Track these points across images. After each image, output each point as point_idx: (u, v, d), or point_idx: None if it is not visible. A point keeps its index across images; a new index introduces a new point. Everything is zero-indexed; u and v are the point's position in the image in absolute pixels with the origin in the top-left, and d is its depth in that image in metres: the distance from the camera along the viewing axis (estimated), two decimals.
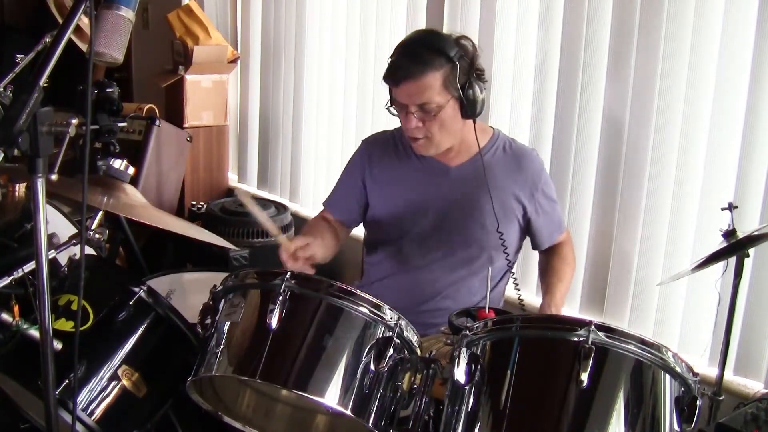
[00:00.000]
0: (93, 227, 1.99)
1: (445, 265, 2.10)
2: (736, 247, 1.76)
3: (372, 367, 1.47)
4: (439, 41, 1.94)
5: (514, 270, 2.18)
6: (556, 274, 2.13)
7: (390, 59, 1.98)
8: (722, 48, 2.12)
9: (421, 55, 1.91)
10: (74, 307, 1.65)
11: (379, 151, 2.17)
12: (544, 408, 1.36)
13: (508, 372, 1.39)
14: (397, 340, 1.50)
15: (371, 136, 2.28)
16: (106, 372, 1.63)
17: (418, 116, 1.95)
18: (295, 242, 1.94)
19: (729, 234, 1.78)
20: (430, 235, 2.10)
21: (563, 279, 2.12)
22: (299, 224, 3.51)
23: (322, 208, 2.28)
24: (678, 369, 1.38)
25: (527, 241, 2.21)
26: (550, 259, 2.20)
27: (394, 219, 2.15)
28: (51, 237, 1.76)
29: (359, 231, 2.30)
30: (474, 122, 2.01)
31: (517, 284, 2.14)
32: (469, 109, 1.95)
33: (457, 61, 1.90)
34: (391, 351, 1.47)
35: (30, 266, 1.66)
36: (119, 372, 1.64)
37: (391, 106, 2.00)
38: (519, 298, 2.15)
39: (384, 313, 1.51)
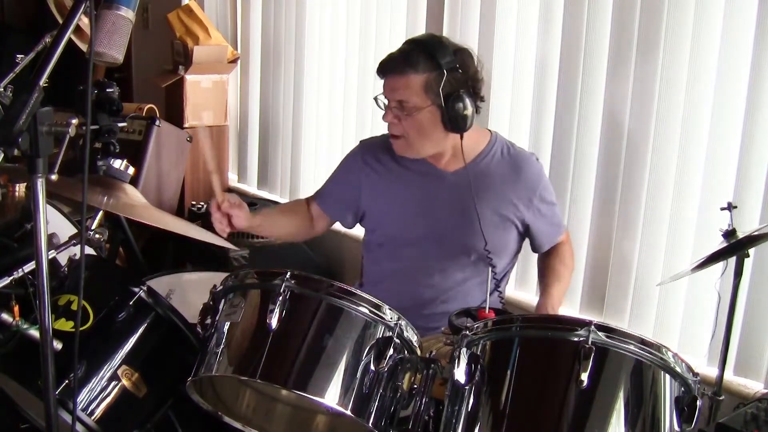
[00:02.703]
0: (93, 227, 1.99)
1: (442, 271, 2.10)
2: (736, 247, 1.76)
3: (372, 367, 1.47)
4: (433, 46, 1.95)
5: (512, 271, 2.18)
6: (554, 273, 2.13)
7: None
8: (722, 48, 2.12)
9: (410, 55, 1.95)
10: (74, 307, 1.65)
11: (376, 155, 2.16)
12: (544, 408, 1.36)
13: (508, 372, 1.39)
14: (397, 340, 1.50)
15: (368, 138, 2.29)
16: (106, 372, 1.63)
17: (395, 112, 1.98)
18: (227, 196, 2.02)
19: (729, 234, 1.78)
20: (427, 241, 2.10)
21: (561, 279, 2.12)
22: None
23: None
24: (678, 369, 1.38)
25: (527, 241, 2.21)
26: (548, 260, 2.20)
27: (391, 223, 2.14)
28: (51, 237, 1.76)
29: (359, 231, 2.30)
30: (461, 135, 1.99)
31: (497, 280, 2.13)
32: (451, 121, 1.95)
33: (446, 70, 1.91)
34: (391, 351, 1.47)
35: (30, 266, 1.66)
36: (119, 372, 1.64)
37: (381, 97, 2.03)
38: (499, 293, 2.14)
39: (384, 313, 1.51)
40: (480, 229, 2.01)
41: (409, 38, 2.07)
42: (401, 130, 2.00)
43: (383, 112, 2.02)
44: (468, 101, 1.94)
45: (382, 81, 2.00)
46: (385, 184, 2.14)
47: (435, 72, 1.92)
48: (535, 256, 2.30)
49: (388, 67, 1.98)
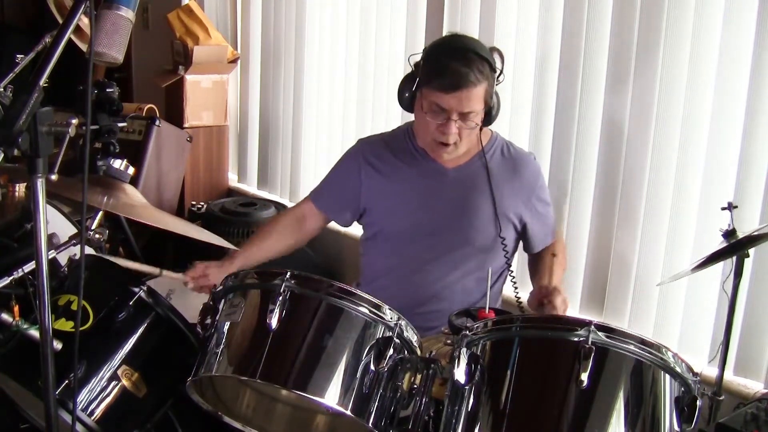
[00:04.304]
0: (93, 227, 1.99)
1: (441, 267, 2.10)
2: (736, 247, 1.76)
3: (372, 367, 1.47)
4: (483, 50, 1.94)
5: (513, 271, 2.18)
6: (544, 265, 2.15)
7: (432, 63, 1.94)
8: (722, 48, 2.11)
9: (476, 64, 1.90)
10: (74, 307, 1.65)
11: (376, 153, 2.16)
12: (544, 408, 1.36)
13: (508, 372, 1.39)
14: (397, 340, 1.50)
15: (367, 137, 2.28)
16: (106, 372, 1.63)
17: (458, 124, 1.94)
18: (189, 274, 2.01)
19: (729, 234, 1.78)
20: (426, 236, 2.10)
21: (553, 271, 2.12)
22: None
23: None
24: (678, 369, 1.38)
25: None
26: (539, 256, 2.21)
27: (391, 220, 2.15)
28: (51, 237, 1.76)
29: (360, 231, 2.30)
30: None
31: (515, 285, 2.14)
32: (493, 117, 1.98)
33: (496, 71, 1.94)
34: (391, 351, 1.47)
35: (30, 266, 1.67)
36: (119, 372, 1.64)
37: (422, 109, 1.98)
38: (517, 298, 2.15)
39: (384, 313, 1.51)
40: (495, 212, 2.03)
41: (454, 45, 1.97)
42: (455, 139, 1.97)
43: (424, 123, 1.98)
44: (498, 95, 1.97)
45: (440, 94, 1.91)
46: (387, 181, 2.14)
47: (491, 77, 1.93)
48: None
49: (460, 83, 1.88)
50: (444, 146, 1.99)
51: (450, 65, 1.90)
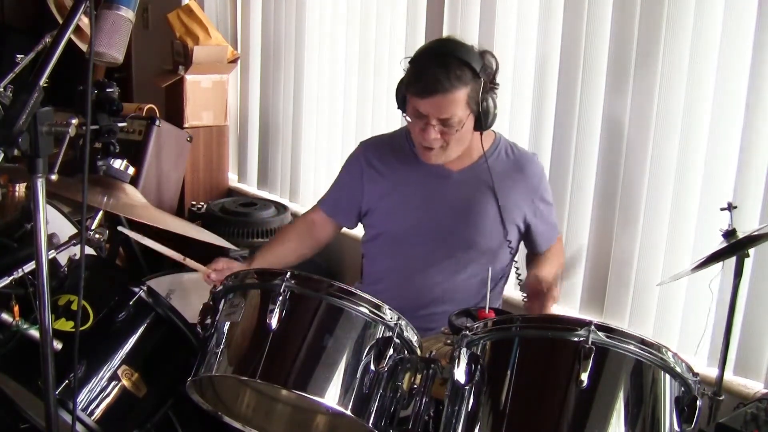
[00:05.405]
0: (93, 227, 1.99)
1: (444, 269, 2.10)
2: (736, 247, 1.76)
3: (372, 367, 1.47)
4: (467, 55, 1.91)
5: (516, 261, 2.19)
6: (543, 257, 2.17)
7: (413, 67, 1.95)
8: (722, 48, 2.11)
9: (453, 69, 1.88)
10: (74, 307, 1.65)
11: (378, 155, 2.16)
12: (544, 408, 1.36)
13: (508, 372, 1.39)
14: (397, 340, 1.50)
15: (370, 139, 2.28)
16: (106, 372, 1.64)
17: (438, 129, 1.93)
18: (213, 265, 2.02)
19: (729, 234, 1.78)
20: (429, 239, 2.10)
21: (550, 263, 2.14)
22: None
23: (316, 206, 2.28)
24: (678, 369, 1.38)
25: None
26: (537, 254, 2.21)
27: (393, 222, 2.14)
28: (51, 237, 1.77)
29: (359, 231, 2.30)
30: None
31: (518, 274, 2.14)
32: (484, 122, 1.96)
33: (482, 76, 1.91)
34: (391, 351, 1.47)
35: (30, 266, 1.67)
36: (119, 372, 1.65)
37: (404, 113, 1.98)
38: (518, 274, 2.16)
39: (384, 313, 1.51)
40: (500, 215, 2.04)
41: (435, 50, 1.97)
42: (440, 143, 1.97)
43: (411, 127, 1.99)
44: (492, 100, 1.96)
45: (417, 99, 1.91)
46: (389, 183, 2.13)
47: (474, 81, 1.90)
48: None
49: (435, 88, 1.87)
50: (428, 150, 2.00)
51: (427, 70, 1.90)
